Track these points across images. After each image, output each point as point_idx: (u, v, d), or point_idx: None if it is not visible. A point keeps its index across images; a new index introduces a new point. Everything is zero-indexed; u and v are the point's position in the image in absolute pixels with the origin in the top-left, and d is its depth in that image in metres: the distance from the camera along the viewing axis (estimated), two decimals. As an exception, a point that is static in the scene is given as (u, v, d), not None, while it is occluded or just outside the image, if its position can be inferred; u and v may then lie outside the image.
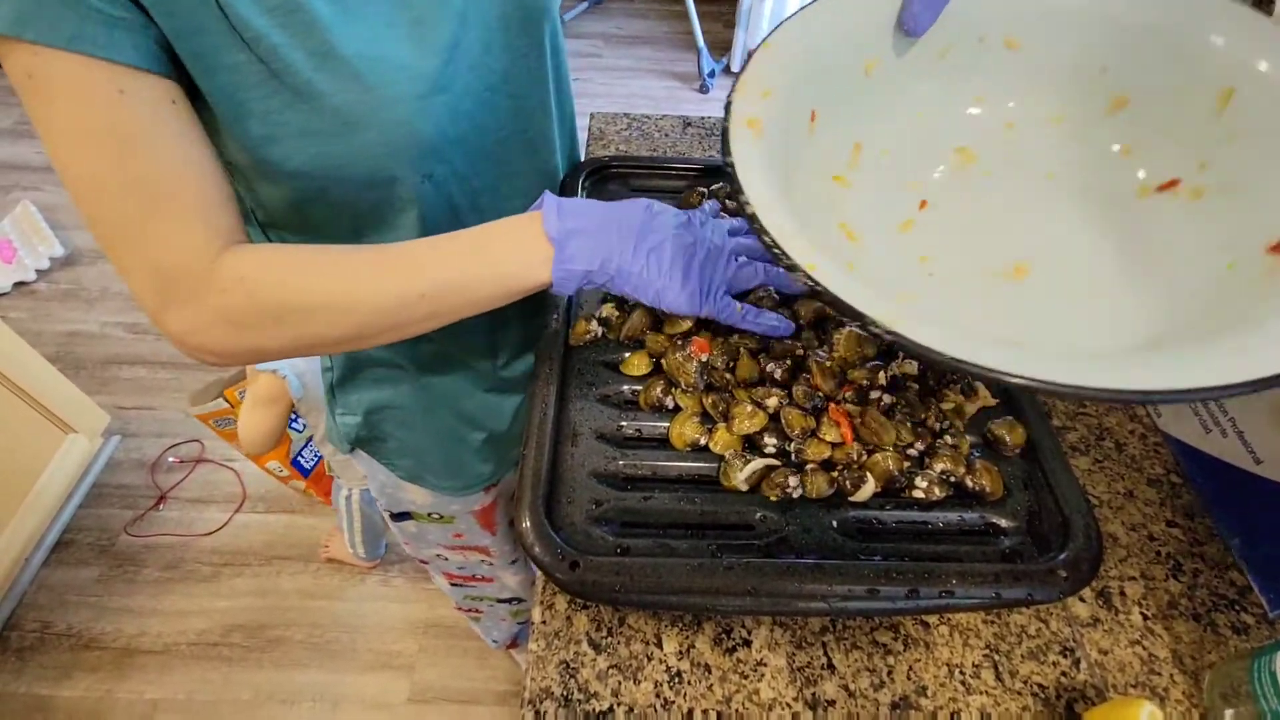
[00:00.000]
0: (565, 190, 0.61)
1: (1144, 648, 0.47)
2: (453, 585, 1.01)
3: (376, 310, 0.41)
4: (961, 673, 0.45)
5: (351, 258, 0.42)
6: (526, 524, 0.39)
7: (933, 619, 0.47)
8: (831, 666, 0.45)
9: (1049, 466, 0.44)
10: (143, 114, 0.37)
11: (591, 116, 0.91)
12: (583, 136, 0.88)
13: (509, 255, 0.43)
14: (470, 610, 1.13)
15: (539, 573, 0.46)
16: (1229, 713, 0.43)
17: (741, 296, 0.48)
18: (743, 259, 0.48)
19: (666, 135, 0.89)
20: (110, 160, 0.36)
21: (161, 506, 1.58)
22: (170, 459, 1.64)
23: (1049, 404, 0.61)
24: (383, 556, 1.51)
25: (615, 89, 2.85)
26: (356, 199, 0.47)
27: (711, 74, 2.71)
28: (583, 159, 0.69)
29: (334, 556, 1.52)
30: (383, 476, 0.73)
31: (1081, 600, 0.49)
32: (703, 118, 0.92)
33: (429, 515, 0.79)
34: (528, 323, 0.63)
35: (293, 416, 1.27)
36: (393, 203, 0.48)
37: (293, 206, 0.48)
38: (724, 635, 0.46)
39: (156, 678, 1.34)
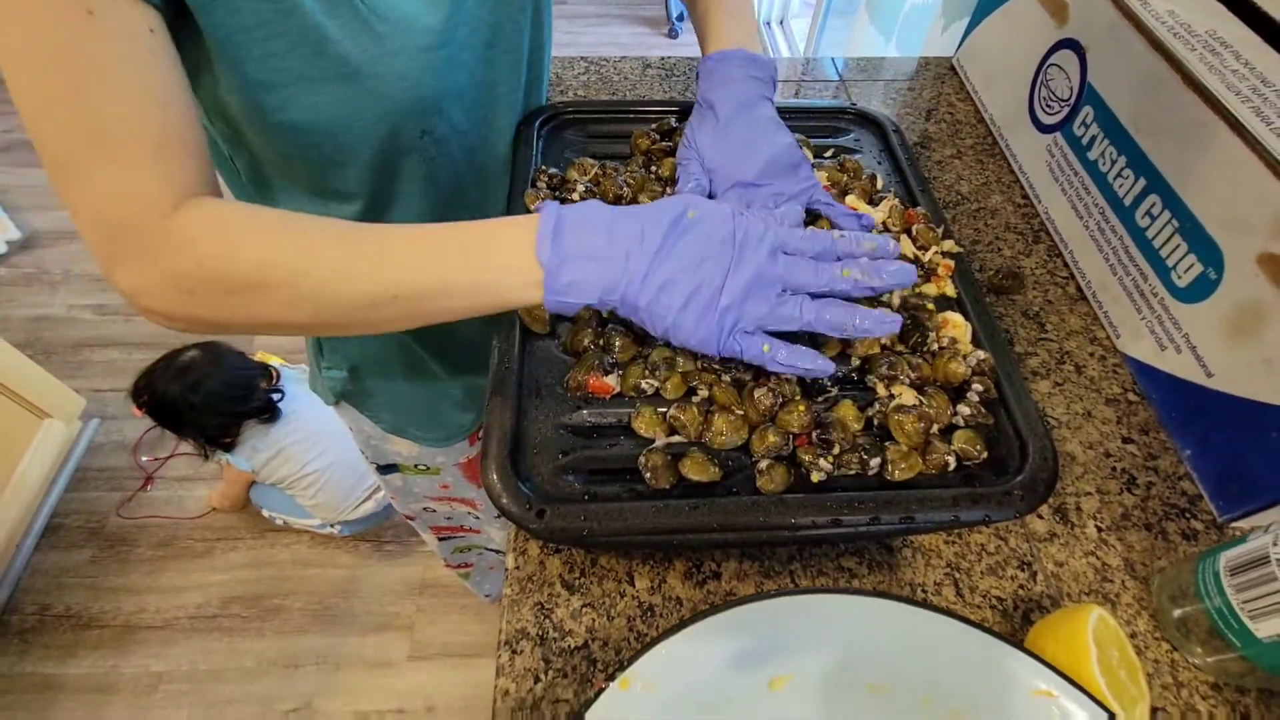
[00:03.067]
0: (518, 140, 0.59)
1: (1097, 558, 0.49)
2: (441, 539, 1.03)
3: (341, 304, 0.38)
4: (924, 591, 0.47)
5: (322, 237, 0.38)
6: (494, 476, 0.39)
7: (896, 543, 0.49)
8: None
9: (1008, 392, 0.45)
10: (110, 41, 0.33)
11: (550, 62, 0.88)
12: (540, 85, 0.85)
13: (497, 268, 0.39)
14: (460, 566, 1.16)
15: (509, 523, 0.46)
16: (1176, 612, 0.45)
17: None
18: (786, 292, 0.40)
19: (626, 78, 0.87)
20: (64, 88, 0.32)
21: (149, 487, 1.57)
22: (151, 441, 1.63)
23: (1010, 332, 0.62)
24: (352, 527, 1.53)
25: (581, 37, 2.76)
26: (350, 155, 0.46)
27: (680, 17, 2.63)
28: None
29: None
30: (367, 429, 0.74)
31: (1039, 517, 0.51)
32: (663, 58, 0.89)
33: (415, 467, 0.79)
34: None
35: None
36: (388, 160, 0.47)
37: (283, 161, 0.47)
38: (694, 569, 0.47)
39: (159, 651, 1.36)
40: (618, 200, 0.53)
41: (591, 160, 0.57)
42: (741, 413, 0.42)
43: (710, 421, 0.41)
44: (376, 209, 0.51)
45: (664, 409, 0.43)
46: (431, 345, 0.65)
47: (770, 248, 0.39)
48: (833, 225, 0.50)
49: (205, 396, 1.24)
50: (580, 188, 0.54)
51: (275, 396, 1.33)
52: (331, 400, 0.69)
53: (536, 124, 0.61)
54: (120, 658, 1.35)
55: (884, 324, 0.40)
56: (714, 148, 0.51)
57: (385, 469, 0.81)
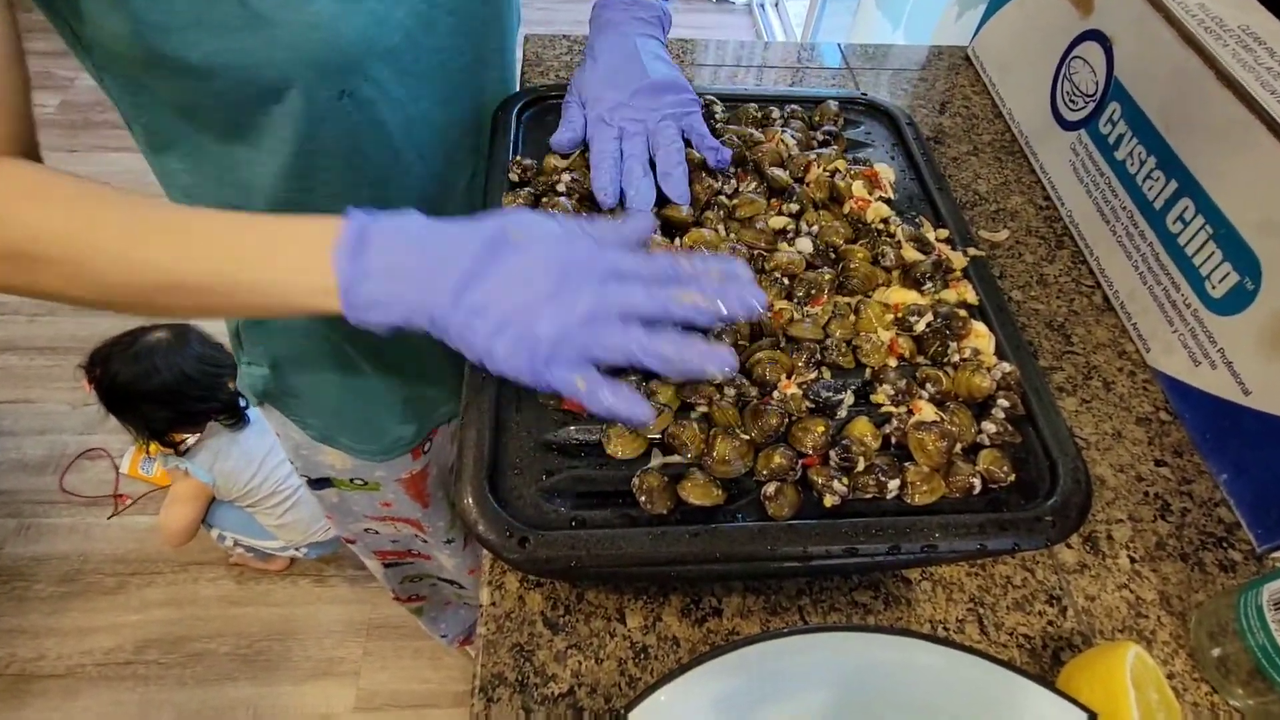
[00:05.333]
0: (496, 128, 0.59)
1: (1131, 591, 0.50)
2: (387, 566, 1.01)
3: (123, 287, 0.39)
4: (945, 628, 0.47)
5: (112, 214, 0.38)
6: (468, 500, 0.39)
7: (914, 574, 0.49)
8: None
9: (1036, 409, 0.46)
10: None
11: (526, 40, 0.89)
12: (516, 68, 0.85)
13: (288, 269, 0.39)
14: (412, 599, 1.14)
15: (486, 553, 0.46)
16: (1215, 651, 0.46)
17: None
18: (614, 318, 0.39)
19: (612, 61, 0.87)
20: None
21: (52, 512, 1.53)
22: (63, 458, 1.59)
23: (1033, 344, 0.64)
24: (278, 558, 1.50)
25: (557, 14, 2.77)
26: (258, 116, 0.46)
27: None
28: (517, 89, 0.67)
29: (240, 561, 1.51)
30: (296, 436, 0.73)
31: (1068, 547, 0.52)
32: (652, 40, 0.90)
33: (351, 481, 0.78)
34: None
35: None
36: (303, 125, 0.47)
37: (185, 124, 0.46)
38: (692, 605, 0.47)
39: (61, 704, 1.31)
40: None
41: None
42: (747, 436, 0.42)
43: (712, 444, 0.41)
44: (297, 187, 0.51)
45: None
46: (364, 346, 0.65)
47: (601, 271, 0.40)
48: (704, 164, 0.55)
49: (160, 386, 1.19)
50: (565, 178, 0.54)
51: (244, 401, 1.29)
52: (254, 400, 0.69)
53: (515, 110, 0.61)
54: (13, 712, 1.30)
55: (716, 360, 0.39)
56: (590, 83, 0.56)
57: (318, 483, 0.80)
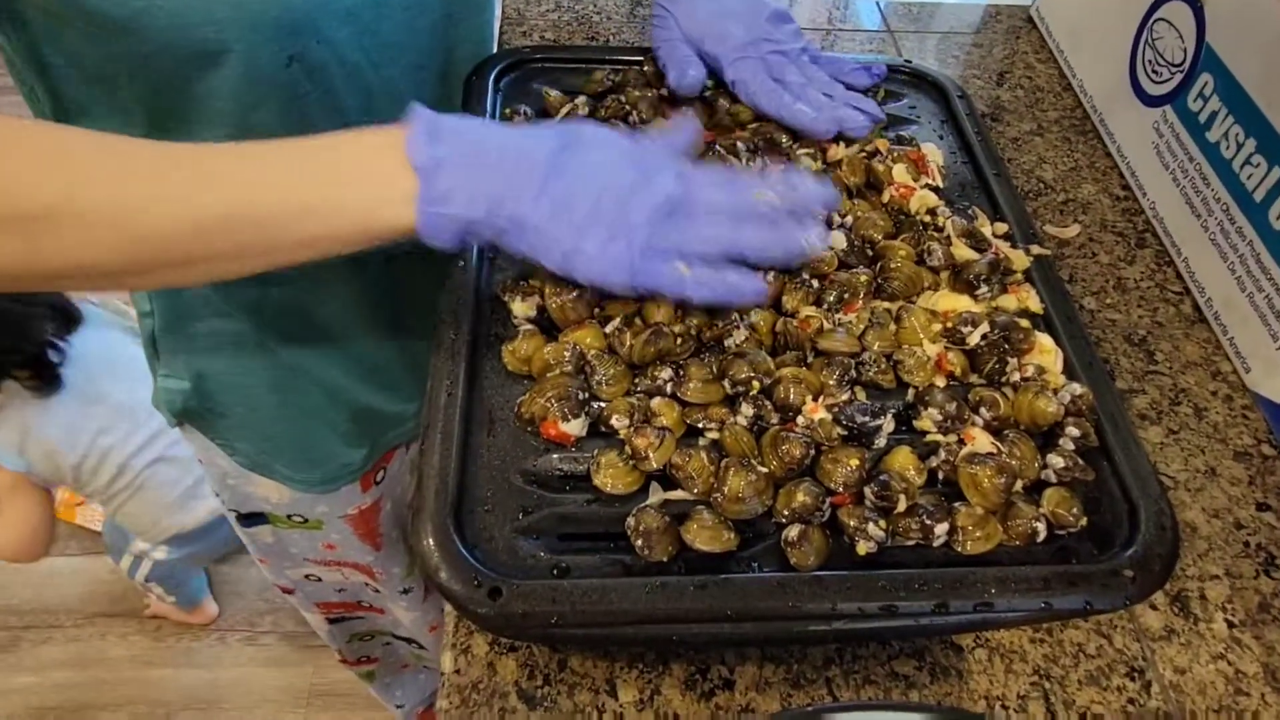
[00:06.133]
0: (470, 97, 0.60)
1: (1229, 663, 0.49)
2: (332, 622, 1.01)
3: (156, 233, 0.38)
4: (1005, 707, 0.46)
5: (121, 149, 0.39)
6: (428, 542, 0.39)
7: (966, 640, 0.49)
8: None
9: (1112, 440, 0.45)
10: None
11: (506, -7, 0.90)
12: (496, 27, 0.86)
13: (356, 180, 0.40)
14: (361, 661, 1.13)
15: (449, 608, 0.45)
16: (1332, 736, 0.46)
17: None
18: (698, 212, 0.45)
19: (610, 18, 0.88)
20: None
21: None
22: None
23: (1110, 361, 0.63)
24: (208, 604, 1.48)
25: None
26: (193, 85, 0.46)
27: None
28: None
29: (159, 613, 1.50)
30: (222, 463, 0.73)
31: (1152, 608, 0.51)
32: (657, -4, 0.91)
33: (288, 518, 0.78)
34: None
35: None
36: (244, 97, 0.47)
37: (99, 83, 0.46)
38: (698, 676, 0.46)
39: (-63, 785, 1.30)
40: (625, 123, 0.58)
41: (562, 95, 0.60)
42: (765, 469, 0.42)
43: (724, 478, 0.41)
44: None
45: (632, 457, 0.42)
46: (304, 350, 0.65)
47: (676, 171, 0.45)
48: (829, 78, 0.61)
49: None
50: (583, 109, 0.58)
51: (55, 356, 1.13)
52: (172, 420, 0.69)
53: (492, 75, 0.61)
54: (-120, 794, 1.29)
55: (815, 237, 0.46)
56: (697, 15, 0.59)
57: (249, 519, 0.80)
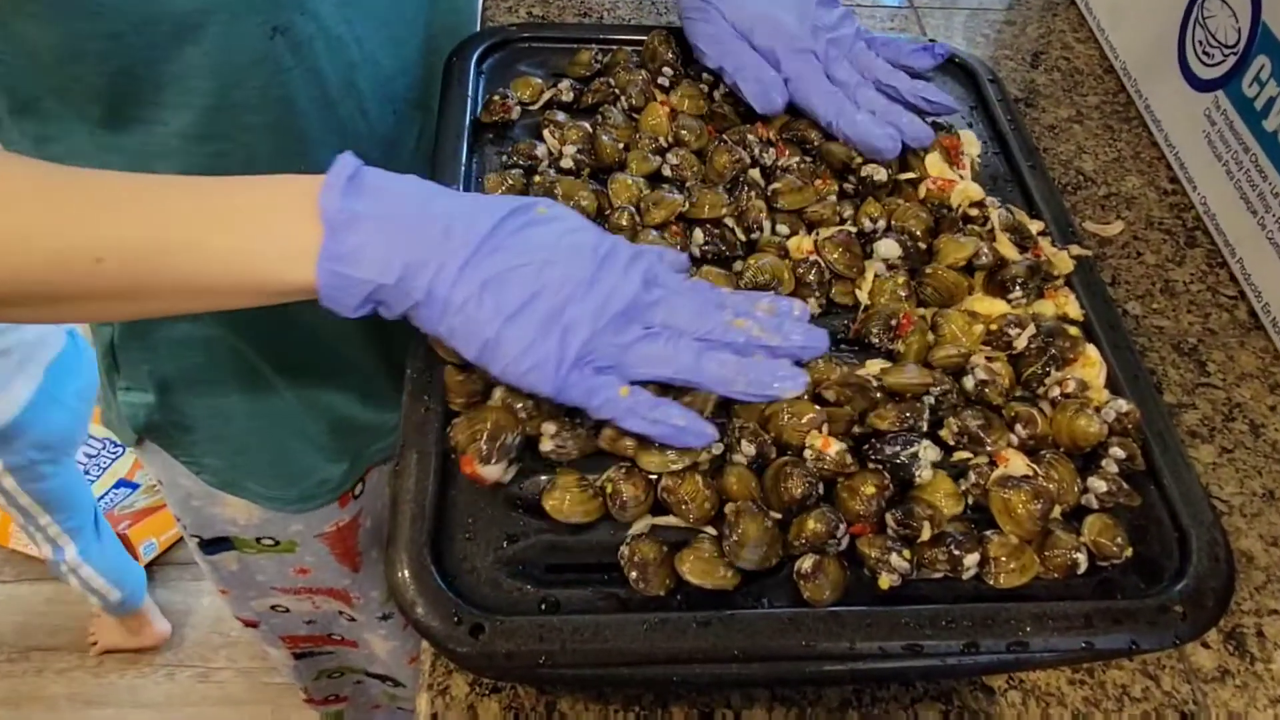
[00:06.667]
0: (450, 80, 0.60)
1: (1290, 708, 0.49)
2: (298, 657, 1.01)
3: (22, 265, 0.38)
4: (1041, 756, 0.46)
5: (7, 172, 0.39)
6: (403, 573, 0.39)
7: (998, 681, 0.49)
8: (858, 758, 0.46)
9: (1160, 461, 0.46)
10: None
11: (490, -33, 0.90)
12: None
13: (255, 226, 0.39)
14: (328, 700, 1.13)
15: (426, 645, 0.45)
16: (1403, 790, 0.46)
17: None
18: (653, 328, 0.42)
19: (604, -7, 0.88)
20: None
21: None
22: None
23: (1157, 372, 0.63)
24: (155, 617, 1.47)
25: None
26: (168, 56, 0.46)
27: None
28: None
29: (110, 647, 1.49)
30: (186, 484, 0.73)
31: (1205, 646, 0.51)
32: (657, -34, 0.91)
33: (257, 542, 0.78)
34: None
35: None
36: (223, 72, 0.47)
37: (60, 72, 0.47)
38: (703, 722, 0.46)
39: None
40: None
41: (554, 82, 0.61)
42: (780, 516, 0.42)
43: (740, 526, 0.40)
44: (211, 151, 0.52)
45: (594, 475, 0.42)
46: (280, 358, 0.65)
47: (643, 273, 0.43)
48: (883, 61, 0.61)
49: None
50: (569, 151, 0.55)
51: None
52: (131, 437, 0.69)
53: (474, 56, 0.62)
54: None
55: (787, 380, 0.44)
56: (752, 9, 0.58)
57: (212, 545, 0.79)
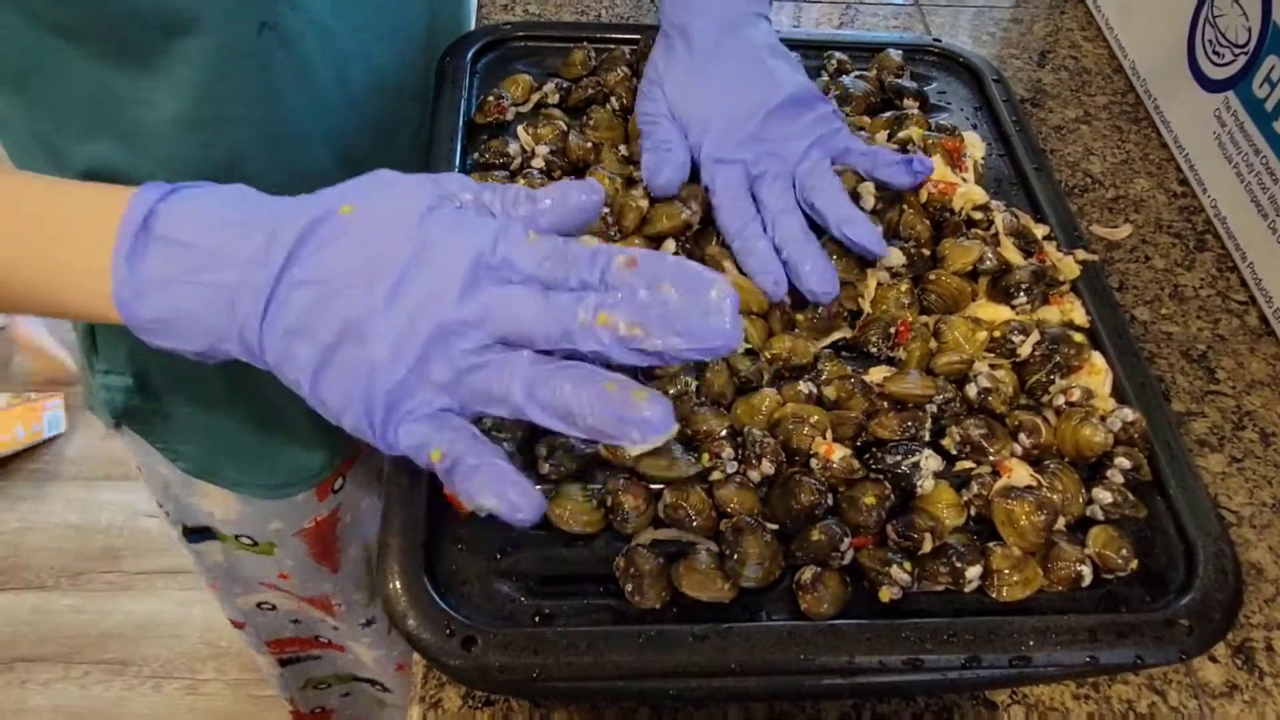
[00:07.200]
0: (444, 81, 0.60)
1: (1299, 723, 0.49)
2: (284, 664, 1.01)
3: None
4: (1044, 772, 0.47)
5: None
6: (395, 585, 0.39)
7: (1001, 696, 0.49)
8: (859, 774, 0.46)
9: (1167, 471, 0.46)
10: None
11: (485, -38, 0.90)
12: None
13: (57, 260, 0.38)
14: (316, 714, 1.13)
15: (418, 657, 0.45)
16: None
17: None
18: (493, 346, 0.36)
19: (601, -10, 0.89)
20: None
21: None
22: None
23: (1165, 380, 0.64)
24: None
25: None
26: (157, 48, 0.47)
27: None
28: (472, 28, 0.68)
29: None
30: (164, 471, 0.73)
31: (1212, 660, 0.51)
32: (656, -36, 0.91)
33: (237, 539, 0.78)
34: None
35: None
36: (214, 60, 0.48)
37: (53, 51, 0.47)
38: (699, 737, 0.46)
39: None
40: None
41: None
42: (776, 527, 0.42)
43: (740, 543, 0.40)
44: (198, 141, 0.52)
45: (597, 486, 0.42)
46: None
47: (472, 263, 0.36)
48: (868, 180, 0.53)
49: None
50: (542, 151, 0.55)
51: None
52: (110, 421, 0.69)
53: (468, 55, 0.62)
54: None
55: (640, 420, 0.34)
56: (689, 93, 0.53)
57: (196, 534, 0.80)
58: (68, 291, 0.38)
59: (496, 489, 0.35)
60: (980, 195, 0.54)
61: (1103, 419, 0.46)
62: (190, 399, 0.68)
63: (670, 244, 0.51)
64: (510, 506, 0.35)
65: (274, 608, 0.91)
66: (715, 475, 0.43)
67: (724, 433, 0.44)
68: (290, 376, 0.37)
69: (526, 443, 0.44)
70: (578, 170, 0.56)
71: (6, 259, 0.38)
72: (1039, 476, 0.44)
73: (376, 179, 0.39)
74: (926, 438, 0.45)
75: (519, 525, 0.36)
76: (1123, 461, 0.45)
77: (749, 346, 0.48)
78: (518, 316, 0.36)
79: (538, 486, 0.37)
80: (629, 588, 0.40)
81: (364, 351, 0.35)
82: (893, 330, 0.49)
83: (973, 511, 0.44)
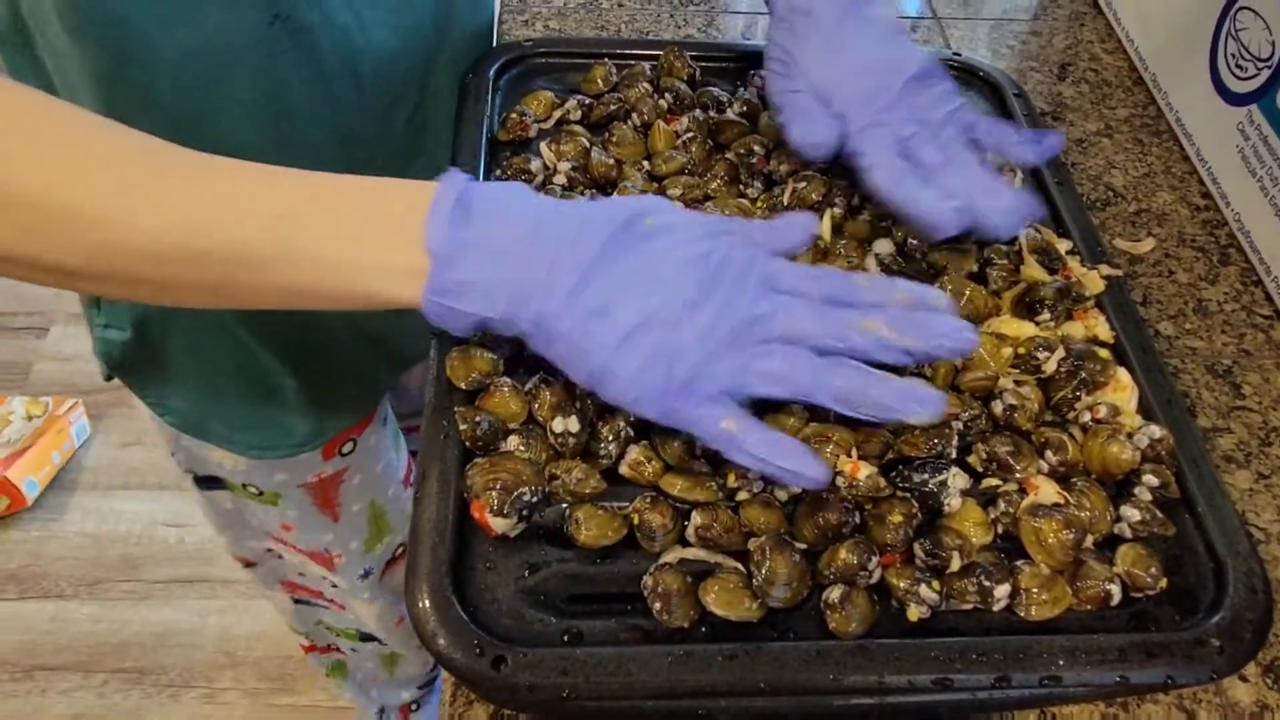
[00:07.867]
0: (466, 97, 0.60)
1: (1332, 744, 0.49)
2: (297, 603, 1.01)
3: (121, 245, 0.38)
4: (1074, 793, 0.46)
5: (111, 142, 0.39)
6: (424, 604, 0.39)
7: (1030, 716, 0.49)
8: (886, 794, 0.46)
9: (1195, 489, 0.46)
10: None
11: (506, -23, 0.91)
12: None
13: (369, 242, 0.40)
14: (324, 650, 1.13)
15: (446, 675, 0.45)
16: None
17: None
18: (774, 341, 0.41)
19: (621, 5, 0.89)
20: None
21: None
22: None
23: (1190, 396, 0.63)
24: None
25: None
26: (158, 45, 0.47)
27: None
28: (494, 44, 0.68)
29: None
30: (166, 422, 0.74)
31: (1243, 680, 0.51)
32: (676, -21, 0.92)
33: (244, 487, 0.79)
34: None
35: None
36: (221, 51, 0.48)
37: (55, 39, 0.48)
38: (727, 756, 0.46)
39: None
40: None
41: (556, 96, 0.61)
42: (804, 547, 0.42)
43: (768, 562, 0.40)
44: (192, 116, 0.53)
45: (624, 504, 0.43)
46: (253, 322, 0.66)
47: (758, 278, 0.42)
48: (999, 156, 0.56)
49: None
50: (564, 167, 0.56)
51: None
52: (105, 371, 0.71)
53: (491, 72, 0.62)
54: None
55: (916, 403, 0.41)
56: (828, 67, 0.55)
57: (206, 482, 0.81)
58: (372, 269, 0.40)
59: (784, 451, 0.40)
60: None
61: (1130, 436, 0.46)
62: (186, 357, 0.68)
63: None
64: (796, 465, 0.40)
65: (281, 558, 0.92)
66: (741, 495, 0.44)
67: None
68: (582, 349, 0.40)
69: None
70: (600, 187, 0.56)
71: (302, 235, 0.40)
72: (1066, 494, 0.44)
73: (659, 200, 0.45)
74: (953, 455, 0.45)
75: (811, 487, 0.41)
76: (1150, 479, 0.45)
77: None
78: (799, 317, 0.41)
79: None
80: (657, 606, 0.40)
81: (670, 340, 0.40)
82: None
83: (1000, 530, 0.44)
